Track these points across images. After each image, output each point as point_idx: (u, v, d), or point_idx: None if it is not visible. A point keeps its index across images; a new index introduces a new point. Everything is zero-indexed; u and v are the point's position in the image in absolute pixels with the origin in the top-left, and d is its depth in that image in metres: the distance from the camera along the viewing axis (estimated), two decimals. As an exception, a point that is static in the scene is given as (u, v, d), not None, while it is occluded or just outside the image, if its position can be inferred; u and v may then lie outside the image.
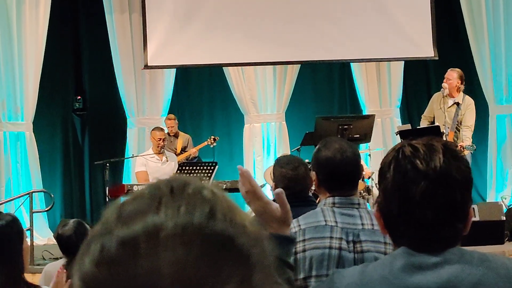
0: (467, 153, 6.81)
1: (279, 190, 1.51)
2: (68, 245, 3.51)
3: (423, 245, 1.36)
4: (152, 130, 7.92)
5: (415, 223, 1.36)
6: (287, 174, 2.96)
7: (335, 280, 1.42)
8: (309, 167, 3.03)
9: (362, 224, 2.28)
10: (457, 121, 7.17)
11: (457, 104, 7.18)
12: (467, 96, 7.27)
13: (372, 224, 2.28)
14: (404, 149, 1.39)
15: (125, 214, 0.64)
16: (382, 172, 1.42)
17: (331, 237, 2.25)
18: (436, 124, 7.09)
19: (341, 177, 2.34)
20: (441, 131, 6.87)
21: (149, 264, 0.60)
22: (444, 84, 7.14)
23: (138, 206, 0.64)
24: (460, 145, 6.81)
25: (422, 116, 7.59)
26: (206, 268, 0.61)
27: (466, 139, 7.01)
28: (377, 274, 1.36)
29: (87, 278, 0.62)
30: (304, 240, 2.27)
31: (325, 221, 2.28)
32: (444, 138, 6.72)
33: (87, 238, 0.66)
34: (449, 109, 7.17)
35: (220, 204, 0.66)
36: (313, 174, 2.45)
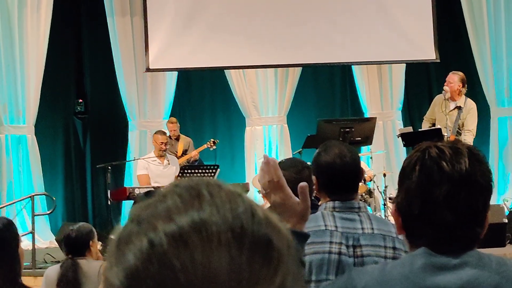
0: None
1: (304, 184, 1.48)
2: (69, 244, 3.53)
3: (442, 247, 1.36)
4: (155, 133, 7.93)
5: (435, 224, 1.36)
6: (291, 177, 2.96)
7: (354, 277, 1.42)
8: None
9: (362, 229, 2.28)
10: (458, 125, 7.15)
11: (459, 107, 7.16)
12: (469, 100, 7.24)
13: (372, 228, 2.28)
14: (430, 150, 1.39)
15: (167, 211, 0.64)
16: (405, 172, 1.41)
17: (330, 242, 2.25)
18: (438, 126, 7.08)
19: (341, 182, 2.34)
20: (443, 133, 6.86)
21: (205, 258, 0.61)
22: (446, 88, 7.13)
23: (179, 204, 0.65)
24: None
25: (423, 118, 7.58)
26: (257, 264, 0.62)
27: (467, 142, 7.00)
28: (397, 272, 1.37)
29: (136, 273, 0.62)
30: None
31: (325, 225, 2.28)
32: (446, 138, 6.72)
33: (120, 235, 0.65)
34: (450, 112, 7.15)
35: (256, 205, 0.67)
36: (313, 179, 2.45)
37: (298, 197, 1.50)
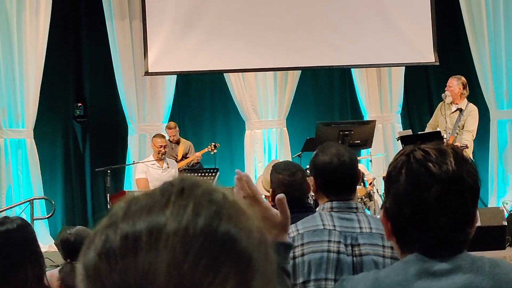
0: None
1: (281, 195, 1.48)
2: (68, 249, 3.53)
3: (434, 251, 1.35)
4: (153, 137, 7.93)
5: (428, 228, 1.35)
6: (285, 180, 2.96)
7: (346, 286, 1.41)
8: (306, 172, 3.03)
9: (360, 228, 2.28)
10: (459, 127, 7.18)
11: (460, 110, 7.22)
12: (470, 103, 7.30)
13: (370, 228, 2.28)
14: (415, 153, 1.38)
15: (132, 210, 0.65)
16: (391, 176, 1.40)
17: (329, 241, 2.25)
18: (437, 129, 7.10)
19: (339, 181, 2.34)
20: (442, 135, 6.87)
21: (147, 260, 0.61)
22: (447, 92, 7.18)
23: (146, 203, 0.66)
24: (457, 145, 6.83)
25: (427, 125, 7.65)
26: (204, 268, 0.62)
27: (464, 141, 7.03)
28: (391, 280, 1.36)
29: (89, 267, 0.64)
30: (302, 245, 2.27)
31: (323, 225, 2.29)
32: (445, 140, 6.75)
33: (95, 229, 0.68)
34: (451, 114, 7.20)
35: (228, 207, 0.67)
36: (311, 179, 2.45)
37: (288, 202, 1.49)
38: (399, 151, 1.44)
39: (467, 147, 6.96)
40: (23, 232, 2.30)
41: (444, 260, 1.34)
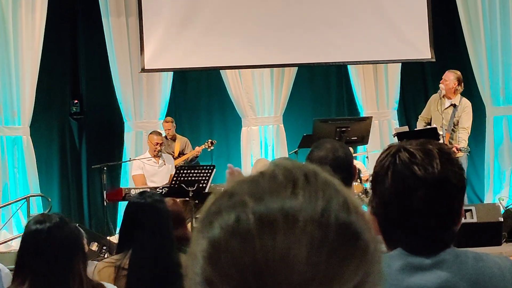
0: (461, 155, 6.82)
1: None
2: None
3: (419, 249, 1.36)
4: (150, 134, 7.93)
5: (412, 229, 1.35)
6: None
7: None
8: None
9: None
10: (453, 123, 7.19)
11: (454, 105, 7.21)
12: (464, 98, 7.29)
13: None
14: (400, 154, 1.37)
15: (260, 191, 0.65)
16: (378, 177, 1.40)
17: None
18: (433, 126, 7.10)
19: (333, 176, 2.34)
20: (439, 132, 6.88)
21: (286, 243, 0.61)
22: (441, 85, 7.18)
23: (274, 186, 0.65)
24: (455, 147, 6.82)
25: (419, 117, 7.61)
26: (338, 259, 0.62)
27: (461, 141, 7.03)
28: None
29: (219, 244, 0.63)
30: None
31: None
32: (441, 140, 6.74)
33: (211, 206, 0.67)
34: (445, 110, 7.19)
35: (350, 198, 0.67)
36: None
37: None
38: (385, 150, 1.43)
39: (468, 152, 6.98)
40: (66, 227, 2.31)
41: (428, 256, 1.35)
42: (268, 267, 0.61)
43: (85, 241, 3.77)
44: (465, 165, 6.97)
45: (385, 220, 1.39)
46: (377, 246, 0.66)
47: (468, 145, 7.02)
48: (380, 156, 1.43)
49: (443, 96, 7.17)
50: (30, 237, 2.28)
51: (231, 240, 0.63)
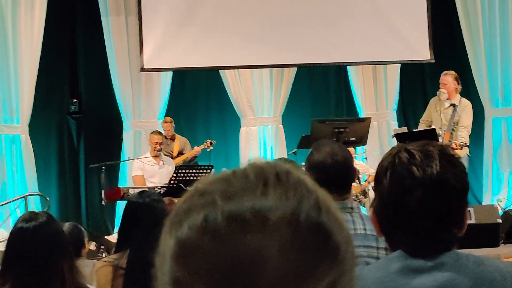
0: (463, 154, 6.81)
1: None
2: None
3: (419, 250, 1.35)
4: (150, 133, 7.96)
5: (411, 230, 1.35)
6: None
7: None
8: (303, 169, 3.02)
9: (355, 229, 2.27)
10: (454, 122, 7.21)
11: (454, 105, 7.24)
12: (463, 98, 7.33)
13: (365, 229, 2.27)
14: (400, 155, 1.37)
15: (231, 190, 0.65)
16: (378, 177, 1.40)
17: None
18: (432, 127, 7.11)
19: (332, 180, 2.33)
20: (437, 133, 6.89)
21: (256, 242, 0.61)
22: (442, 90, 7.19)
23: (244, 185, 0.65)
24: (454, 143, 6.84)
25: (420, 121, 7.64)
26: (308, 259, 0.62)
27: (461, 138, 7.05)
28: (372, 277, 1.36)
29: (188, 244, 0.63)
30: None
31: None
32: (440, 140, 6.75)
33: (182, 205, 0.67)
34: (445, 110, 7.22)
35: (322, 197, 0.67)
36: None
37: None
38: (388, 151, 1.44)
39: (467, 146, 6.99)
40: (52, 226, 2.27)
41: (428, 258, 1.34)
42: (239, 266, 0.61)
43: (86, 240, 3.77)
44: (465, 166, 6.97)
45: (385, 221, 1.39)
46: (350, 247, 0.66)
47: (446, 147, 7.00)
48: (382, 158, 1.44)
49: (446, 100, 7.22)
50: (15, 236, 2.24)
51: (200, 240, 0.62)
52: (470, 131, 7.22)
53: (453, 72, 7.32)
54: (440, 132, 6.98)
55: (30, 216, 2.28)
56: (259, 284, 0.61)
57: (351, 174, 2.40)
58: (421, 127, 7.51)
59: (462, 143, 6.87)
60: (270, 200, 0.63)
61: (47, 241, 2.22)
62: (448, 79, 7.24)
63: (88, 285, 2.45)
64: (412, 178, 1.34)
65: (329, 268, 0.63)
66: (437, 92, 7.32)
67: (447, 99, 7.24)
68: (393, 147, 1.45)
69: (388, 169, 1.37)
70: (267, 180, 0.65)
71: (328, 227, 0.64)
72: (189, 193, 0.68)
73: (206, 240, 0.62)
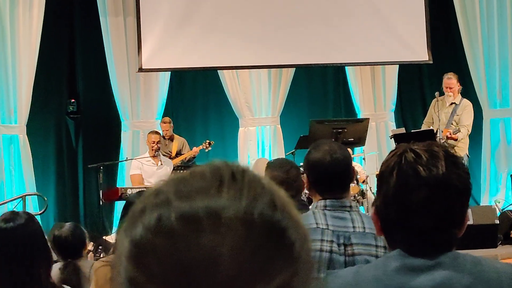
0: (456, 141, 6.86)
1: None
2: (65, 247, 3.49)
3: (418, 250, 1.36)
4: (148, 133, 7.97)
5: (412, 229, 1.36)
6: (279, 177, 2.96)
7: (329, 281, 1.42)
8: (300, 170, 3.03)
9: (354, 227, 2.28)
10: (454, 121, 7.27)
11: (454, 104, 7.33)
12: (465, 99, 7.41)
13: (364, 227, 2.27)
14: (407, 154, 1.38)
15: (185, 190, 0.65)
16: (383, 176, 1.41)
17: (322, 240, 2.24)
18: (431, 128, 7.15)
19: (331, 179, 2.33)
20: (435, 133, 6.93)
21: (210, 241, 0.61)
22: (449, 93, 7.33)
23: (199, 184, 0.65)
24: (449, 132, 6.92)
25: (423, 122, 7.75)
26: (262, 257, 0.62)
27: (458, 133, 7.13)
28: (370, 275, 1.37)
29: (142, 244, 0.63)
30: None
31: (316, 224, 2.28)
32: (438, 139, 6.80)
33: (137, 204, 0.67)
34: (446, 109, 7.29)
35: (278, 195, 0.67)
36: (304, 177, 2.45)
37: None
38: (392, 150, 1.45)
39: (458, 131, 7.05)
40: (32, 227, 2.26)
41: (426, 258, 1.35)
42: (193, 266, 0.61)
43: (87, 240, 3.75)
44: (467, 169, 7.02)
45: (386, 220, 1.40)
46: (306, 245, 0.66)
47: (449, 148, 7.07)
48: (386, 157, 1.44)
49: (451, 104, 7.32)
50: None
51: (154, 240, 0.62)
52: (470, 131, 7.28)
53: (454, 74, 7.42)
54: (438, 133, 7.02)
55: (10, 216, 2.26)
56: (213, 284, 0.61)
57: (350, 172, 2.40)
58: (424, 128, 7.57)
59: (455, 131, 6.95)
60: (224, 199, 0.63)
61: (25, 242, 2.19)
62: (454, 81, 7.38)
63: (64, 285, 2.43)
64: (418, 177, 1.35)
65: (283, 266, 0.63)
66: (435, 93, 7.35)
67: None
68: (397, 147, 1.45)
69: (395, 169, 1.38)
70: (222, 179, 0.65)
71: (283, 225, 0.64)
72: (146, 193, 0.68)
73: (160, 240, 0.62)
